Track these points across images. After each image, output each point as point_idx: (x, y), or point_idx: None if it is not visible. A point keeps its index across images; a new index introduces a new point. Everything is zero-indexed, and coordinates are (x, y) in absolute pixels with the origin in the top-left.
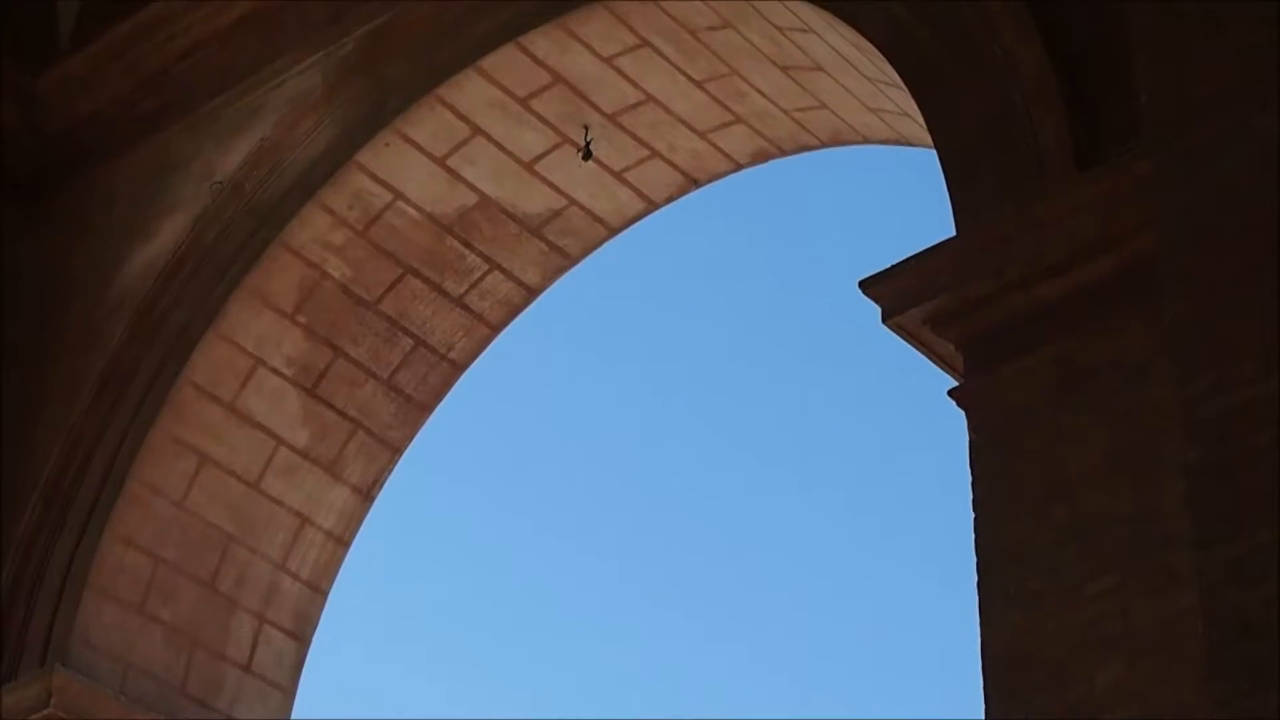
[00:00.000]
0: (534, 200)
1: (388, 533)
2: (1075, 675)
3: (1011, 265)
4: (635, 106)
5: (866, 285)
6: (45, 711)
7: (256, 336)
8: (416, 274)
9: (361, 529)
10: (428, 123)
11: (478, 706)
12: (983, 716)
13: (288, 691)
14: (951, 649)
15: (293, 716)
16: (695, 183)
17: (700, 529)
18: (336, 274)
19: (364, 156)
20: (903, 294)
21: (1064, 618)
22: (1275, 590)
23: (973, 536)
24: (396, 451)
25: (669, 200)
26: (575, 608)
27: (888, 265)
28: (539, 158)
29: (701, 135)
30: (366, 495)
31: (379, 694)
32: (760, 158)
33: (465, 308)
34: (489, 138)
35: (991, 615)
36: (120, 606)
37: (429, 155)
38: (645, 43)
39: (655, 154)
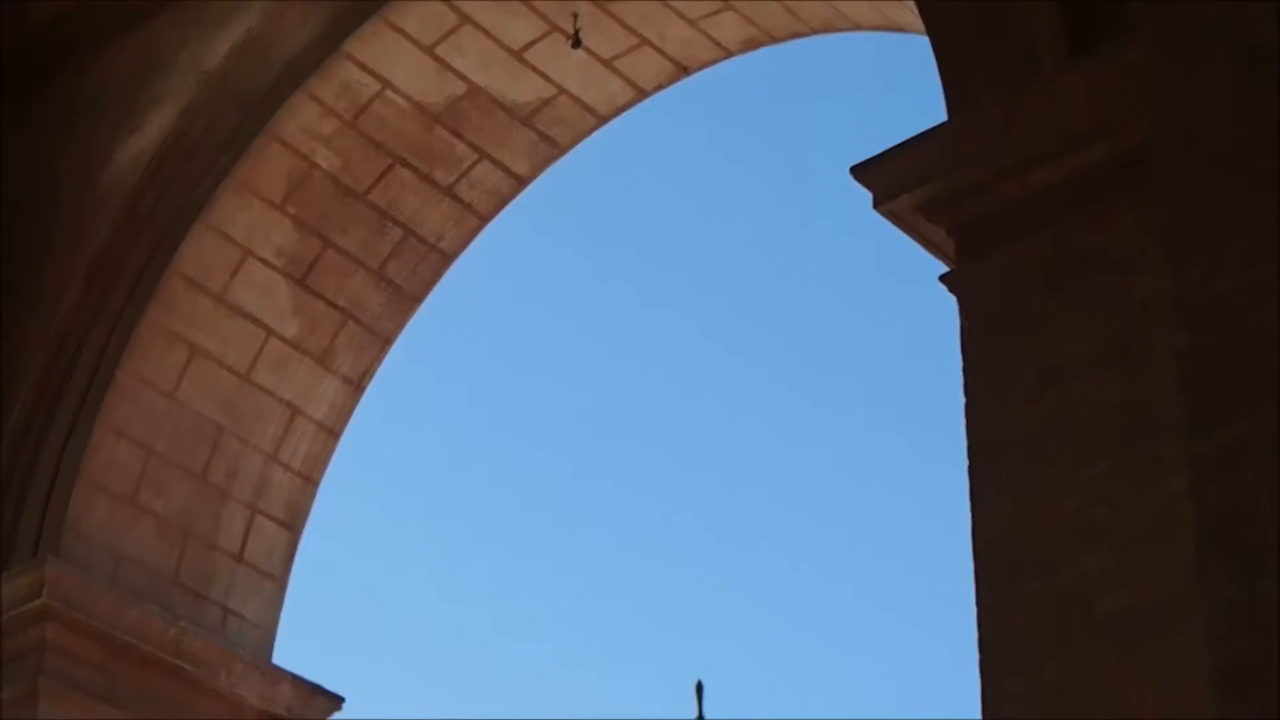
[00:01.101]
0: (523, 89)
1: (378, 424)
2: (1065, 562)
3: (1004, 152)
4: None
5: (858, 171)
6: (38, 602)
7: (246, 227)
8: (405, 164)
9: (352, 420)
10: (416, 11)
11: (466, 595)
12: (973, 602)
13: (280, 581)
14: (942, 539)
15: (284, 608)
16: (685, 71)
17: (687, 418)
18: (325, 164)
19: (352, 46)
20: (894, 180)
21: (1054, 505)
22: (1266, 477)
23: (963, 424)
24: (387, 342)
25: (659, 89)
26: (562, 499)
27: (879, 151)
28: (528, 46)
29: (692, 23)
30: (357, 386)
31: (370, 584)
32: (751, 45)
33: (455, 198)
34: (478, 26)
35: (982, 502)
36: (112, 498)
37: (417, 44)
38: None
39: (645, 42)
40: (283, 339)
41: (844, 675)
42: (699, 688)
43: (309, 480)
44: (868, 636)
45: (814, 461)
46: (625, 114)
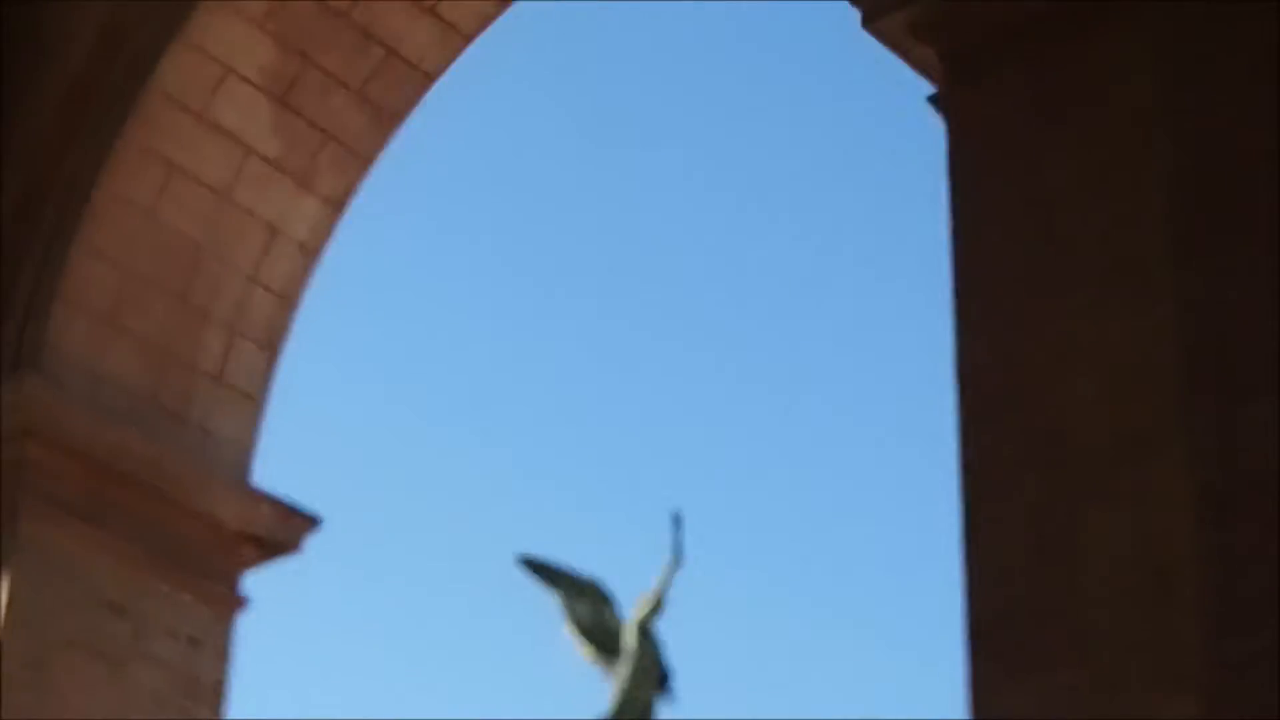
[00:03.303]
0: None
1: (358, 244)
2: (1049, 389)
3: None
4: None
5: None
6: (18, 420)
7: (227, 45)
8: None
9: (332, 240)
10: None
11: (446, 418)
12: (957, 432)
13: (259, 402)
14: (928, 368)
15: (263, 429)
16: None
17: (672, 251)
18: None
19: None
20: None
21: (1041, 331)
22: (1254, 301)
23: (949, 250)
24: (367, 162)
25: None
26: (542, 320)
27: None
28: None
29: None
30: (337, 206)
31: (348, 402)
32: None
33: (437, 16)
34: None
35: (967, 329)
36: (91, 319)
37: None
38: None
39: None
40: (263, 158)
41: (823, 512)
42: (676, 519)
43: (288, 301)
44: (844, 471)
45: (799, 295)
46: None
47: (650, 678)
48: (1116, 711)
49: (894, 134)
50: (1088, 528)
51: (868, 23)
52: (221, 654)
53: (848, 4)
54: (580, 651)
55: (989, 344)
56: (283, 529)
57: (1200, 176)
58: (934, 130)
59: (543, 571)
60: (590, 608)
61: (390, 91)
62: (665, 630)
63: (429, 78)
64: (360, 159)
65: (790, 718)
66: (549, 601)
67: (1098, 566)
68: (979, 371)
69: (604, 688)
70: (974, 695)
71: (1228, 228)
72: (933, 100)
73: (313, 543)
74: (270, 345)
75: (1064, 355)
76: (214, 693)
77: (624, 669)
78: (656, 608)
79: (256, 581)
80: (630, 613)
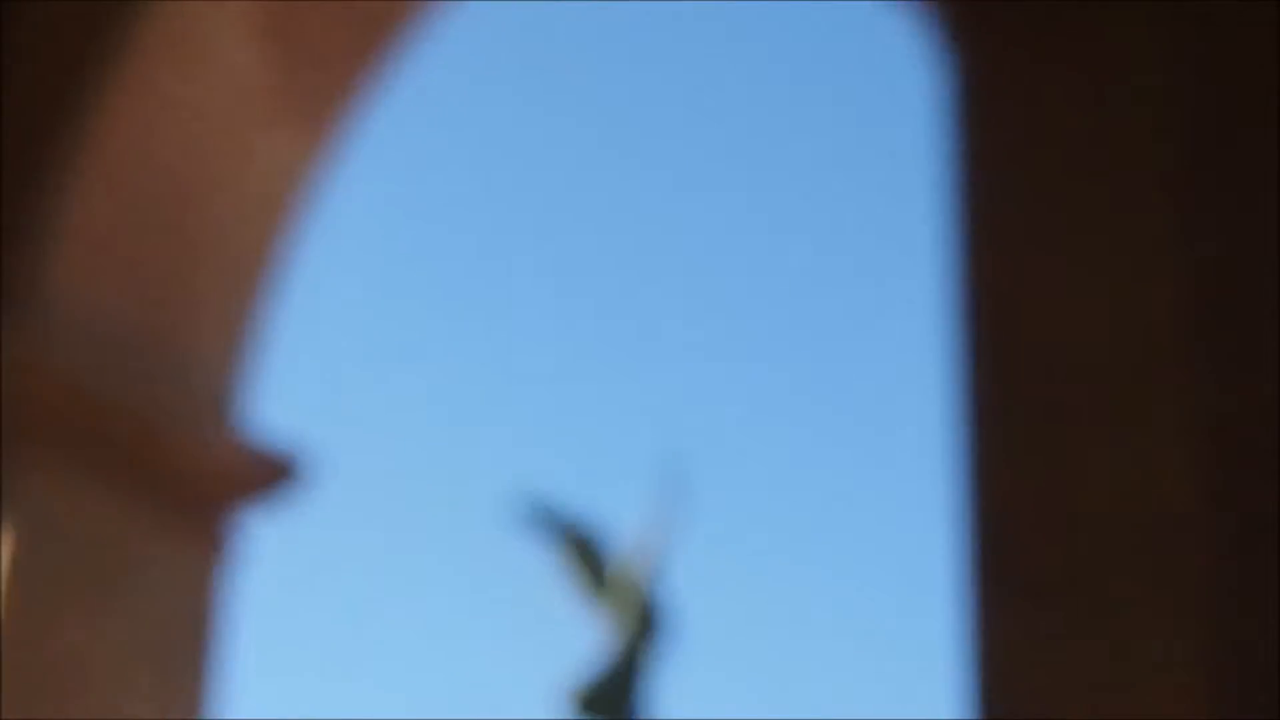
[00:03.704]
0: None
1: (351, 176)
2: (1051, 316)
3: None
4: None
5: None
6: (2, 355)
7: None
8: None
9: (324, 172)
10: None
11: (440, 355)
12: (955, 360)
13: (250, 339)
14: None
15: (256, 367)
16: None
17: (677, 176)
18: None
19: None
20: None
21: (1040, 258)
22: (1259, 227)
23: (946, 186)
24: (359, 93)
25: None
26: (535, 258)
27: None
28: None
29: None
30: (329, 138)
31: (341, 341)
32: None
33: None
34: None
35: (964, 256)
36: (79, 253)
37: None
38: None
39: None
40: (253, 88)
41: (824, 453)
42: (672, 460)
43: (280, 235)
44: (844, 409)
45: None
46: None
47: (644, 620)
48: (1115, 639)
49: (893, 75)
50: (1087, 455)
51: None
52: (212, 594)
53: None
54: (574, 594)
55: (986, 271)
56: (276, 469)
57: (1200, 103)
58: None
59: (537, 514)
60: (584, 550)
61: (381, 16)
62: (662, 572)
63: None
64: (351, 88)
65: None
66: (542, 544)
67: (1098, 493)
68: (977, 299)
69: (597, 630)
70: (971, 624)
71: (1232, 144)
72: (931, 31)
73: (306, 482)
74: (262, 282)
75: (1064, 282)
76: (206, 632)
77: (618, 611)
78: (652, 550)
79: (249, 521)
80: (625, 555)
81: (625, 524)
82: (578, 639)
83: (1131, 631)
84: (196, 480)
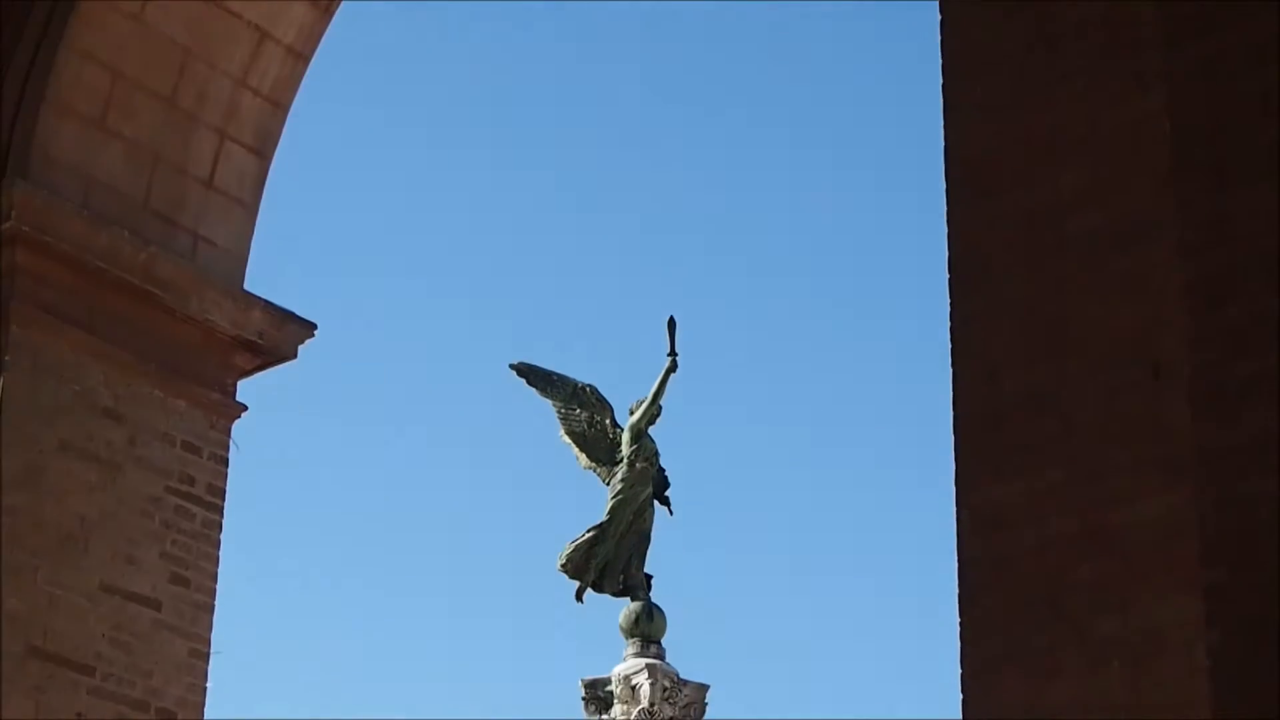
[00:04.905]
0: None
1: (348, 50)
2: (1039, 179)
3: None
4: None
5: None
6: (6, 225)
7: None
8: None
9: (321, 44)
10: None
11: (442, 222)
12: (945, 225)
13: (250, 208)
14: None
15: (256, 236)
16: None
17: (681, 62)
18: None
19: None
20: None
21: (1030, 122)
22: (1244, 88)
23: (938, 37)
24: None
25: None
26: (536, 129)
27: None
28: None
29: None
30: (326, 9)
31: (342, 209)
32: None
33: None
34: None
35: (956, 121)
36: (80, 122)
37: None
38: None
39: None
40: None
41: (819, 318)
42: (671, 323)
43: (278, 105)
44: (842, 278)
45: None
46: None
47: (646, 482)
48: (1107, 501)
49: None
50: (1078, 319)
51: None
52: (216, 460)
53: None
54: (576, 457)
55: (979, 134)
56: (277, 334)
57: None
58: None
59: (538, 378)
60: (586, 413)
61: None
62: (660, 435)
63: None
64: None
65: None
66: (545, 408)
67: (1088, 358)
68: (968, 162)
69: (601, 492)
70: (961, 493)
71: (1216, 15)
72: None
73: (307, 350)
74: (262, 151)
75: (1054, 145)
76: (209, 498)
77: (620, 474)
78: (653, 413)
79: (252, 388)
80: (626, 418)
81: (626, 385)
82: (581, 497)
83: (1122, 495)
84: (199, 345)
